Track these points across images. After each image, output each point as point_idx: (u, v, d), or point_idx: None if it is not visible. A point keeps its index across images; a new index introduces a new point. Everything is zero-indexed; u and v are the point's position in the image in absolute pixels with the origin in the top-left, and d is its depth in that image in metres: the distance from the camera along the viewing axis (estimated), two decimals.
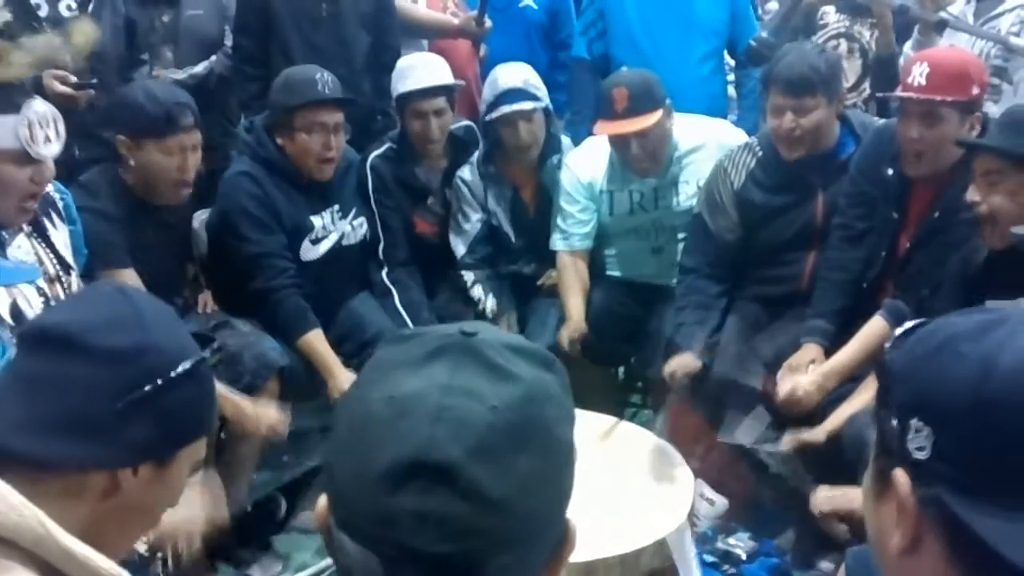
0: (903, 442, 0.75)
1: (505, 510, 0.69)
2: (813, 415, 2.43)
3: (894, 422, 0.76)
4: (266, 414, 2.43)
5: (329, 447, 0.74)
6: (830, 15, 3.42)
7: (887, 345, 0.81)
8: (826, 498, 2.10)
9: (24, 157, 1.89)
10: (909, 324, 0.82)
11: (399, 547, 0.68)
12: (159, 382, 1.04)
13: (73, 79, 2.59)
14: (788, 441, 2.39)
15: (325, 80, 2.77)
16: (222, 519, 2.26)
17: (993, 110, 2.70)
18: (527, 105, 2.97)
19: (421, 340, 0.75)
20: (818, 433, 2.34)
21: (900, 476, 0.75)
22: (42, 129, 1.90)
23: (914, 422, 0.74)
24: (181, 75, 3.21)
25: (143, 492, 1.05)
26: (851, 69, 3.36)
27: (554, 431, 0.73)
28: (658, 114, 2.82)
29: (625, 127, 2.82)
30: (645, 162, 2.91)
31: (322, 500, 0.75)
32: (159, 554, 1.96)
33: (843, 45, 3.36)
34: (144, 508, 1.08)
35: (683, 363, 2.66)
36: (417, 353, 0.73)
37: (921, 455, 0.74)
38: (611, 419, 2.55)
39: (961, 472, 0.72)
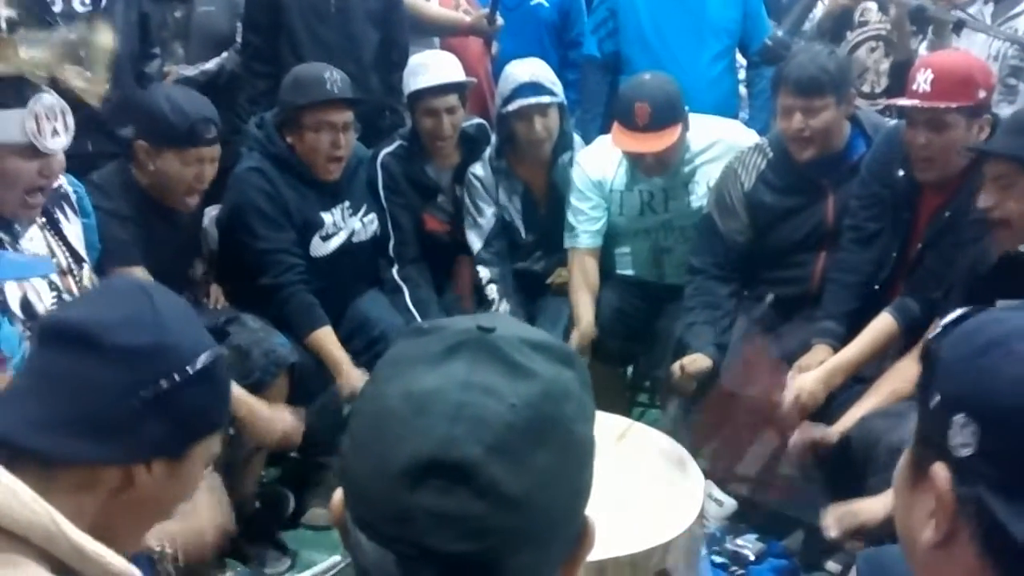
0: (945, 436, 0.73)
1: (523, 509, 0.68)
2: (822, 417, 2.43)
3: (937, 415, 0.74)
4: (281, 420, 2.43)
5: (345, 443, 0.74)
6: (872, 13, 3.34)
7: (934, 333, 0.79)
8: (836, 521, 2.08)
9: (31, 150, 1.89)
10: (958, 312, 0.80)
11: (416, 546, 0.67)
12: (175, 379, 1.04)
13: (87, 73, 2.59)
14: (797, 439, 2.38)
15: (334, 79, 2.77)
16: (229, 525, 2.25)
17: (1009, 111, 2.69)
18: (544, 99, 2.97)
19: (439, 335, 0.74)
20: (831, 433, 2.33)
21: (940, 470, 0.73)
22: (50, 122, 1.89)
23: (959, 418, 0.73)
24: (192, 71, 3.21)
25: (156, 488, 1.05)
26: (885, 72, 3.32)
27: (573, 429, 0.73)
28: (678, 129, 2.82)
29: (645, 145, 2.81)
30: (654, 167, 2.91)
31: (337, 495, 0.74)
32: (169, 550, 1.96)
33: (880, 48, 3.32)
34: (157, 503, 1.09)
35: (694, 360, 2.66)
36: (435, 349, 0.72)
37: (964, 452, 0.72)
38: (619, 418, 2.55)
39: (1005, 473, 0.71)
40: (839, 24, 3.34)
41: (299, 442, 2.49)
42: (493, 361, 0.71)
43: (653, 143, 2.80)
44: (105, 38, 2.10)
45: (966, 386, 0.74)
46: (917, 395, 0.78)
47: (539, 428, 0.70)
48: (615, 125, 2.90)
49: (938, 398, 0.75)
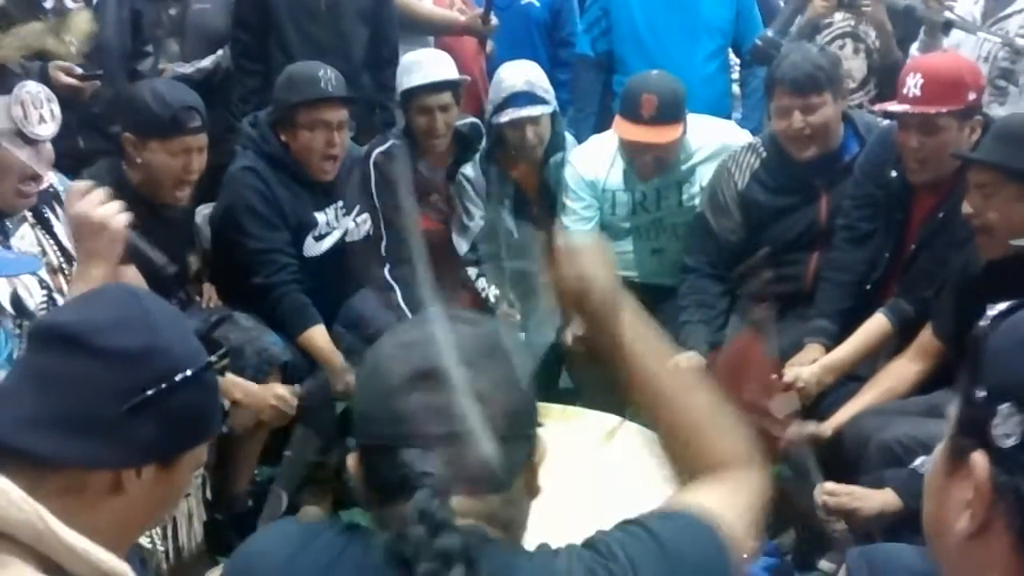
0: (987, 425, 0.72)
1: (486, 401, 0.93)
2: (813, 415, 2.43)
3: (981, 404, 0.73)
4: (272, 393, 2.47)
5: (356, 386, 1.03)
6: (835, 14, 3.38)
7: (982, 323, 0.78)
8: (831, 495, 2.09)
9: (19, 138, 1.88)
10: (1007, 304, 0.79)
11: (417, 434, 0.93)
12: (165, 385, 1.03)
13: (78, 71, 2.59)
14: (793, 431, 2.37)
15: (328, 78, 2.76)
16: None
17: (999, 112, 2.70)
18: (535, 111, 2.97)
19: (413, 319, 1.11)
20: (825, 427, 2.33)
21: (979, 459, 0.73)
22: (36, 109, 1.89)
23: (1004, 408, 0.72)
24: (187, 69, 3.20)
25: (145, 493, 1.05)
26: (857, 68, 3.35)
27: (513, 354, 1.00)
28: (680, 128, 2.82)
29: (649, 137, 2.81)
30: (651, 168, 2.91)
31: (352, 457, 0.99)
32: (160, 547, 1.96)
33: (848, 45, 3.35)
34: (145, 509, 1.08)
35: (687, 359, 2.67)
36: (415, 322, 1.07)
37: (1007, 442, 0.71)
38: (610, 416, 2.55)
39: None
40: (814, 29, 3.37)
41: (293, 413, 2.51)
42: (454, 320, 1.00)
43: (656, 135, 2.80)
44: (83, 18, 2.11)
45: (1012, 376, 0.73)
46: (959, 384, 0.77)
47: (489, 348, 0.98)
48: (617, 117, 2.90)
49: (983, 387, 0.74)
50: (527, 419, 0.99)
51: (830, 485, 2.09)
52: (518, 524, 1.00)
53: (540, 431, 1.01)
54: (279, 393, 2.51)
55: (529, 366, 1.01)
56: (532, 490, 1.01)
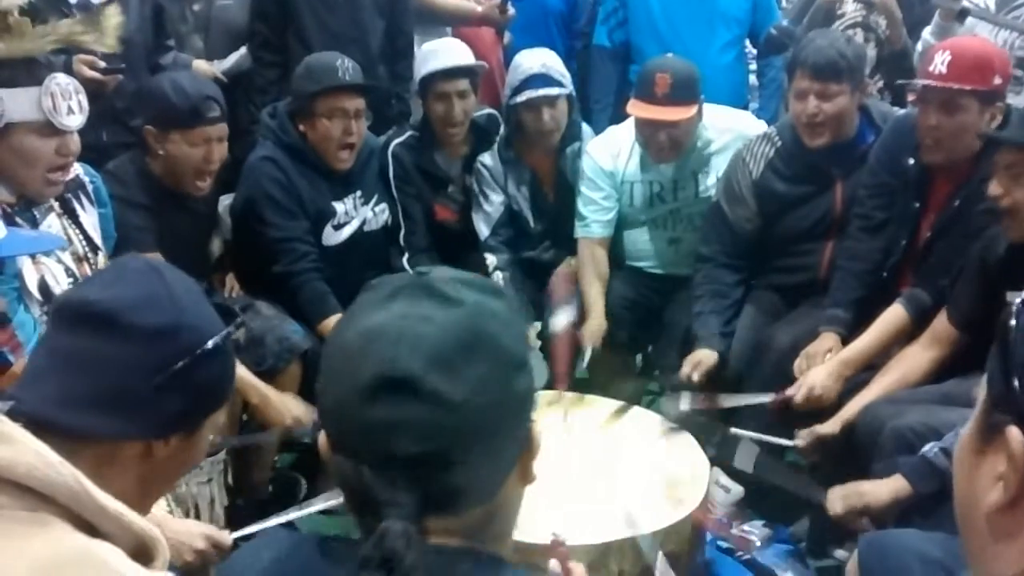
0: (1022, 402, 0.74)
1: (465, 411, 0.79)
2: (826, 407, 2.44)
3: (1016, 381, 0.75)
4: (291, 406, 2.44)
5: (318, 383, 0.86)
6: (847, 4, 3.42)
7: (1018, 302, 0.78)
8: (841, 499, 2.10)
9: (48, 128, 1.92)
10: None
11: (380, 454, 0.79)
12: (192, 357, 1.09)
13: (102, 64, 2.63)
14: (803, 437, 2.39)
15: (346, 67, 2.79)
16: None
17: (1015, 101, 2.69)
18: (552, 91, 2.98)
19: (383, 285, 0.88)
20: (833, 424, 2.34)
21: (1014, 432, 0.74)
22: (65, 100, 1.92)
23: None
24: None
25: (172, 458, 1.12)
26: (873, 58, 3.35)
27: (500, 342, 0.84)
28: (694, 108, 2.83)
29: (662, 114, 2.81)
30: (666, 151, 2.91)
31: (323, 435, 0.86)
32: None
33: (859, 35, 3.36)
34: (169, 471, 1.16)
35: (700, 360, 2.68)
36: (381, 295, 0.86)
37: None
38: (620, 404, 2.58)
39: None
40: (828, 18, 3.37)
41: (310, 425, 2.51)
42: (427, 296, 0.84)
43: (669, 113, 2.80)
44: (112, 12, 2.14)
45: None
46: (990, 362, 0.77)
47: (468, 341, 0.82)
48: (632, 100, 2.90)
49: (1018, 366, 0.74)
50: (517, 415, 0.85)
51: (834, 493, 2.09)
52: (504, 529, 0.89)
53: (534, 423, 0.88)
54: (297, 413, 2.41)
55: (523, 337, 0.88)
56: (526, 480, 0.89)
